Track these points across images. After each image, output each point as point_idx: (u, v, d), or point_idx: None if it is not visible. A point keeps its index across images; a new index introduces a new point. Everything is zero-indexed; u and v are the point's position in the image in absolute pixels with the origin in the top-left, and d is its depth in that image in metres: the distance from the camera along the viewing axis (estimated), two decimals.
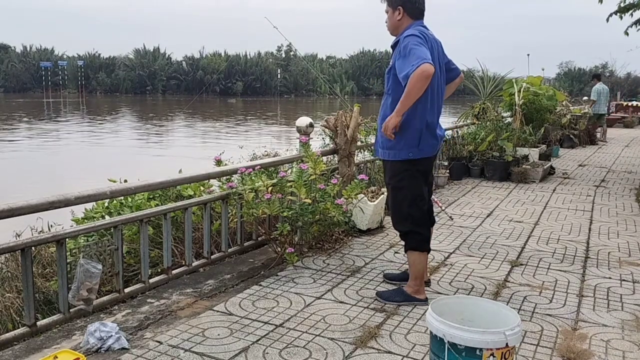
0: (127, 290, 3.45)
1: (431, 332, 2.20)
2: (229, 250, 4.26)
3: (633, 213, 6.11)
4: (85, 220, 4.07)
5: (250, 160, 5.76)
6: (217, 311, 3.24)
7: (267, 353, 2.73)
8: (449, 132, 8.54)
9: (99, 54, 71.97)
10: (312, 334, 2.95)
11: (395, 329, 3.02)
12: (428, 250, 3.42)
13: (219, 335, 2.93)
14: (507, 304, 2.99)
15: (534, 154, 9.02)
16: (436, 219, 5.54)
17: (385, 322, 3.11)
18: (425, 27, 3.32)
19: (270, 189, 4.09)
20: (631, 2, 9.34)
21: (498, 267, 4.14)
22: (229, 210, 4.25)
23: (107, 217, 4.09)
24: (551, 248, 4.66)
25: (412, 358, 2.71)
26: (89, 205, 4.16)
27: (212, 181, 4.59)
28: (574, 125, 12.97)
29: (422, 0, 3.33)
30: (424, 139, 3.25)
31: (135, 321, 3.09)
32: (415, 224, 3.34)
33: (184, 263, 3.91)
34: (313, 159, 4.41)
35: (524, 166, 8.20)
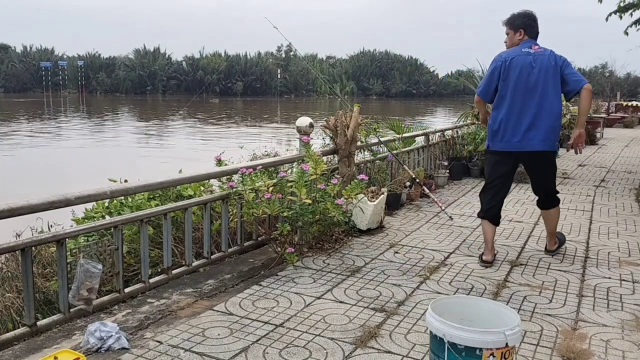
0: (127, 290, 3.45)
1: (431, 332, 2.21)
2: (229, 250, 4.27)
3: (633, 213, 6.11)
4: (86, 220, 4.08)
5: (251, 160, 5.76)
6: (217, 311, 3.24)
7: (267, 353, 2.74)
8: (449, 132, 8.54)
9: (99, 54, 72.10)
10: (312, 333, 2.95)
11: (395, 329, 3.02)
12: (487, 219, 4.25)
13: (219, 335, 2.93)
14: (507, 304, 2.99)
15: None
16: (436, 219, 5.57)
17: (385, 322, 3.11)
18: (529, 45, 4.07)
19: (270, 189, 4.09)
20: (631, 1, 9.34)
21: (498, 267, 4.14)
22: (229, 210, 4.25)
23: (107, 217, 4.09)
24: None
25: (412, 358, 2.71)
26: (89, 205, 4.16)
27: (212, 181, 4.59)
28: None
29: (537, 24, 4.16)
30: (496, 138, 4.11)
31: (135, 321, 3.09)
32: (482, 201, 4.32)
33: (184, 263, 3.91)
34: (314, 159, 4.41)
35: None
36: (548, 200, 4.31)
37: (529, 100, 3.96)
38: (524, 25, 4.11)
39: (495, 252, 4.32)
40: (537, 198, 4.34)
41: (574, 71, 4.06)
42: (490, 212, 4.23)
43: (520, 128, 3.98)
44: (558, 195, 4.32)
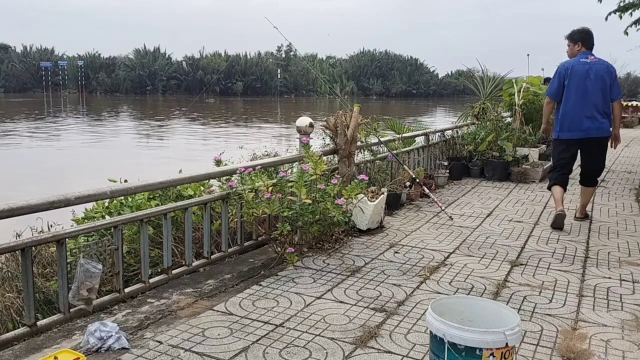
0: (127, 290, 3.45)
1: (431, 332, 2.21)
2: (229, 250, 4.27)
3: (633, 213, 6.11)
4: (86, 220, 4.08)
5: (251, 160, 5.76)
6: (217, 311, 3.24)
7: (267, 353, 2.74)
8: (449, 132, 8.54)
9: (99, 54, 72.13)
10: (312, 333, 2.95)
11: (395, 329, 3.02)
12: (558, 185, 5.37)
13: (219, 335, 2.93)
14: (507, 304, 3.00)
15: (533, 154, 9.01)
16: (436, 219, 5.57)
17: (385, 322, 3.11)
18: (586, 56, 5.19)
19: (270, 189, 4.09)
20: (630, 1, 9.35)
21: (498, 267, 4.14)
22: (229, 210, 4.25)
23: (107, 217, 4.09)
24: (551, 248, 4.66)
25: (412, 358, 2.71)
26: (89, 205, 4.16)
27: (212, 181, 4.59)
28: None
29: (593, 38, 5.28)
30: (564, 129, 5.24)
31: (135, 321, 3.09)
32: (551, 177, 5.54)
33: (184, 263, 3.91)
34: (314, 159, 4.41)
35: (523, 166, 8.20)
36: (591, 179, 5.49)
37: (587, 100, 5.09)
38: (581, 39, 5.28)
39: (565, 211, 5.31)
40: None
41: (617, 84, 5.24)
42: (560, 179, 5.39)
43: (582, 121, 5.13)
44: (598, 178, 5.54)
